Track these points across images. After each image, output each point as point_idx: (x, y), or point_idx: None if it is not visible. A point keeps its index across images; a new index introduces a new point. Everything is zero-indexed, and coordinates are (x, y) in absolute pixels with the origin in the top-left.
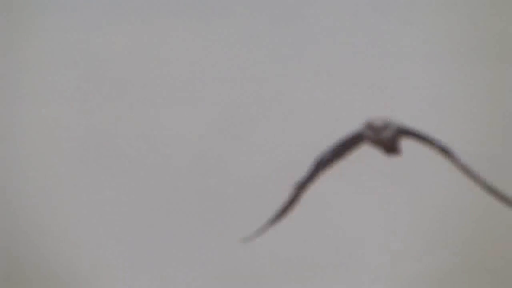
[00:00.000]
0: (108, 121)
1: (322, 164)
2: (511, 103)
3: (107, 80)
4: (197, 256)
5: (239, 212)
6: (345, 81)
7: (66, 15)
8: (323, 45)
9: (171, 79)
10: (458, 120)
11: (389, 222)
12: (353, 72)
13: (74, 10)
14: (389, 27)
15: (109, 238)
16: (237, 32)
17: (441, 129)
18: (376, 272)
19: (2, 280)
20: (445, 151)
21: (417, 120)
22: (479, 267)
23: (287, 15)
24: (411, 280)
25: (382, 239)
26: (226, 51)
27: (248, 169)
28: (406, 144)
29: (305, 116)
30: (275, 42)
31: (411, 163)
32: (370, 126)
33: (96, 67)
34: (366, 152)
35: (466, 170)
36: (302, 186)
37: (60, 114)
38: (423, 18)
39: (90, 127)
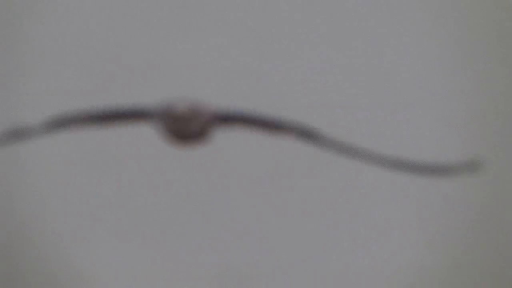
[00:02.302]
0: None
1: (97, 117)
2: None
3: (107, 76)
4: (196, 254)
5: (237, 211)
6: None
7: (67, 11)
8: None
9: (172, 76)
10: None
11: (387, 220)
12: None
13: (76, 7)
14: (388, 25)
15: (107, 238)
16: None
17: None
18: (374, 271)
19: (1, 280)
20: (305, 134)
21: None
22: (479, 267)
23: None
24: (410, 279)
25: (381, 238)
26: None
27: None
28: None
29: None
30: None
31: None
32: (170, 115)
33: (96, 64)
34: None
35: (336, 147)
36: (61, 122)
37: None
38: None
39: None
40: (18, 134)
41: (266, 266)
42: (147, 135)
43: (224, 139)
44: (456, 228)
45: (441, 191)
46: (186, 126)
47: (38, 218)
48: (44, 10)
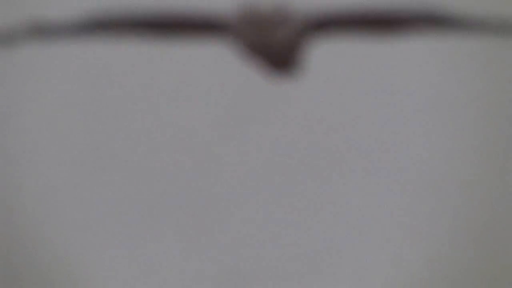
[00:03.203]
0: (109, 124)
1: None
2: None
3: (108, 83)
4: (196, 255)
5: (237, 211)
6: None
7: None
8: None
9: (172, 84)
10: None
11: (386, 220)
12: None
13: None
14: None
15: (107, 238)
16: None
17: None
18: (374, 272)
19: (0, 280)
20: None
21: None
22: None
23: None
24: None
25: (380, 238)
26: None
27: (244, 168)
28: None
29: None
30: None
31: (407, 155)
32: (250, 17)
33: (98, 71)
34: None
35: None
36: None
37: (61, 116)
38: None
39: (91, 128)
40: (42, 32)
41: (267, 267)
42: (148, 138)
43: None
44: (456, 232)
45: (441, 192)
46: (272, 34)
47: (36, 218)
48: None
